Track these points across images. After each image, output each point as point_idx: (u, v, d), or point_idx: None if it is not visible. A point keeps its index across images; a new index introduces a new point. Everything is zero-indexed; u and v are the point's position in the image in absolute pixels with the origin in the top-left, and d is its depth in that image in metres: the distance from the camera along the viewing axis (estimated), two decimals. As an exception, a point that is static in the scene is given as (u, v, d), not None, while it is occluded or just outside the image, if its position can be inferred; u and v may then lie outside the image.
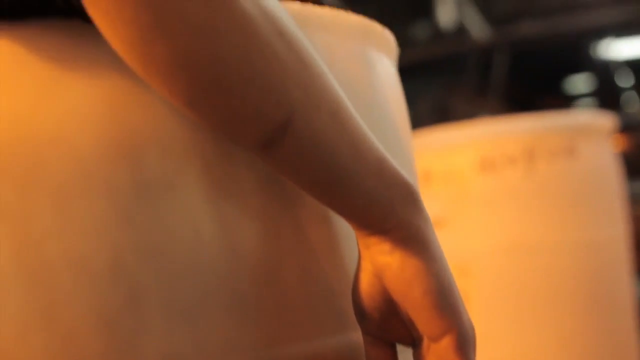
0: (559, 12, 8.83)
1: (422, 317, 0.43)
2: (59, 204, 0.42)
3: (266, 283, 0.46)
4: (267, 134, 0.40)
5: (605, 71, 3.52)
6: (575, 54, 3.49)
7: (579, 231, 1.64)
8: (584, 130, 1.66)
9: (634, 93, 3.56)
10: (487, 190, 1.61)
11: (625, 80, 3.56)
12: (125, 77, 0.43)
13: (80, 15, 0.41)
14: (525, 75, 3.71)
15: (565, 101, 3.70)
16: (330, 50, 0.52)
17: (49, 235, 0.42)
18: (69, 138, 0.42)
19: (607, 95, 3.44)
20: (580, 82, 3.67)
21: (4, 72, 0.44)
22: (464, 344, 0.44)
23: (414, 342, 0.47)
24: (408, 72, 4.18)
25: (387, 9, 8.36)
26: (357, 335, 0.49)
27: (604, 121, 1.72)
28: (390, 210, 0.43)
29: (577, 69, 3.57)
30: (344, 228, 0.49)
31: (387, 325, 0.47)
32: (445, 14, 6.58)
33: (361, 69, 0.55)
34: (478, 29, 7.79)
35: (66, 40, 0.44)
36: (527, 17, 8.82)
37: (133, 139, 0.43)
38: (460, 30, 7.66)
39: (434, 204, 1.62)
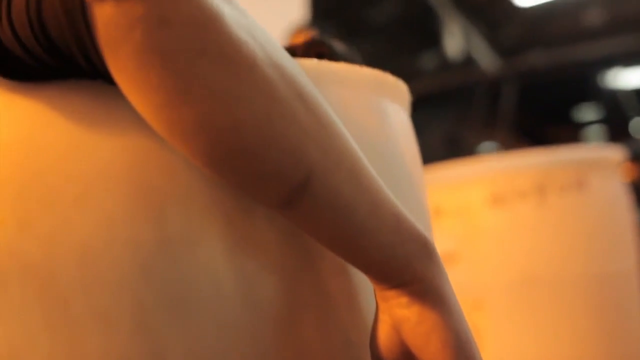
0: (566, 42, 8.89)
1: None
2: (83, 261, 0.43)
3: (286, 334, 0.47)
4: (286, 193, 0.42)
5: (613, 100, 3.53)
6: (583, 83, 3.52)
7: (590, 264, 1.64)
8: (593, 164, 1.66)
9: (642, 122, 3.57)
10: (498, 224, 1.61)
11: (633, 109, 3.57)
12: (147, 136, 0.45)
13: (103, 77, 0.43)
14: (534, 105, 3.74)
15: (574, 130, 3.72)
16: (346, 104, 0.53)
17: (74, 291, 0.43)
18: (94, 196, 0.44)
19: (615, 124, 3.45)
20: (588, 111, 3.68)
21: (31, 132, 0.45)
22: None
23: None
24: (417, 103, 4.21)
25: (395, 40, 8.43)
26: (375, 386, 0.49)
27: (613, 153, 1.73)
28: (407, 265, 0.44)
29: (585, 98, 3.59)
30: (362, 281, 0.50)
31: None
32: (453, 45, 6.63)
33: (376, 120, 0.56)
34: (486, 59, 7.84)
35: (90, 100, 0.46)
36: (534, 48, 8.88)
37: (155, 196, 0.44)
38: (468, 61, 7.72)
39: (446, 238, 1.63)
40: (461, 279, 1.63)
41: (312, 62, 0.52)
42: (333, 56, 0.66)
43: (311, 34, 1.66)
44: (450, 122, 3.85)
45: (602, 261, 1.66)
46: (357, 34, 7.64)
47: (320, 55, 0.65)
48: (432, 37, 7.78)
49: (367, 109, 0.55)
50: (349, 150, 0.43)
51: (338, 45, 0.70)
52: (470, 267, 1.63)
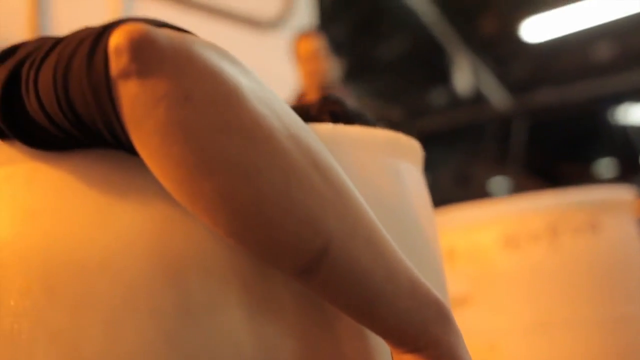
0: (575, 78, 8.92)
1: None
2: (108, 327, 0.44)
3: (304, 397, 0.47)
4: (304, 261, 0.43)
5: (623, 136, 3.53)
6: (593, 119, 3.52)
7: (605, 307, 1.63)
8: (606, 205, 1.66)
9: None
10: (511, 267, 1.61)
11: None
12: (169, 204, 0.46)
13: (127, 149, 0.44)
14: (544, 142, 3.74)
15: (584, 166, 3.71)
16: (361, 166, 0.54)
17: (99, 357, 0.44)
18: (117, 263, 0.45)
19: (626, 160, 3.44)
20: (599, 147, 3.68)
21: (57, 200, 0.47)
22: None
23: None
24: (428, 139, 4.24)
25: (405, 76, 8.49)
26: None
27: (625, 193, 1.73)
28: (423, 330, 0.45)
29: (595, 134, 3.59)
30: (379, 344, 0.51)
31: None
32: (462, 81, 6.67)
33: (390, 181, 0.57)
34: (495, 95, 7.87)
35: (113, 168, 0.47)
36: (544, 84, 8.91)
37: (177, 263, 0.46)
38: (478, 97, 7.76)
39: (459, 281, 1.63)
40: (474, 321, 1.62)
41: (328, 127, 0.54)
42: (346, 114, 0.68)
43: (324, 92, 1.77)
44: (461, 159, 3.86)
45: (617, 303, 1.65)
46: (367, 71, 7.71)
47: (333, 114, 0.67)
48: (441, 74, 7.83)
49: (381, 170, 0.56)
50: (365, 218, 0.45)
51: (351, 103, 0.72)
52: (484, 310, 1.63)
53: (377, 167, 0.56)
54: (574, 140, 3.76)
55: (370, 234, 0.44)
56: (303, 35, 2.46)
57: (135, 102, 0.40)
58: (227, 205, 0.41)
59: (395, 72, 8.30)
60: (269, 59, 3.02)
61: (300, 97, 2.40)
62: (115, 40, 0.39)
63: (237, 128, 0.40)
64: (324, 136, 0.52)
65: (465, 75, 6.71)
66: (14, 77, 0.44)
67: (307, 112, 0.71)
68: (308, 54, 2.31)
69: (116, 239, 0.46)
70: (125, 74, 0.39)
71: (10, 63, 0.45)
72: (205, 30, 3.34)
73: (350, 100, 2.16)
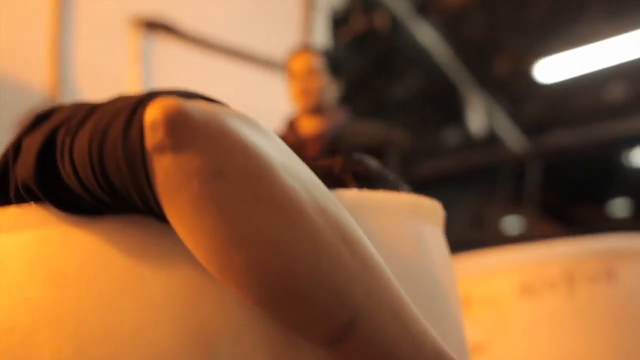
0: (589, 119, 8.92)
1: None
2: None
3: None
4: (332, 332, 0.43)
5: (638, 177, 3.52)
6: (607, 161, 3.52)
7: (621, 355, 1.61)
8: (622, 254, 1.66)
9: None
10: (527, 315, 1.60)
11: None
12: (199, 271, 0.47)
13: (158, 216, 0.45)
14: (559, 183, 3.74)
15: (599, 208, 3.70)
16: (385, 231, 0.55)
17: None
18: (148, 331, 0.46)
19: (640, 201, 3.42)
20: (613, 189, 3.67)
21: (88, 265, 0.48)
22: None
23: None
24: (441, 180, 4.26)
25: (418, 116, 8.54)
26: None
27: (642, 242, 1.72)
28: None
29: (609, 175, 3.58)
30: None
31: None
32: (476, 121, 6.70)
33: (413, 244, 0.58)
34: (509, 136, 7.89)
35: (144, 234, 0.48)
36: (557, 125, 8.93)
37: (206, 330, 0.46)
38: (491, 138, 7.77)
39: (475, 328, 1.62)
40: (491, 370, 1.61)
41: (352, 194, 0.55)
42: (368, 174, 0.69)
43: (319, 114, 1.75)
44: (475, 199, 3.85)
45: (634, 352, 1.63)
46: (381, 110, 7.76)
47: (356, 174, 0.68)
48: (455, 113, 7.86)
49: (404, 234, 0.57)
50: (392, 291, 0.45)
51: (373, 164, 0.73)
52: (500, 358, 1.61)
53: (400, 231, 0.57)
54: (588, 181, 3.75)
55: (396, 306, 0.45)
56: (297, 52, 2.18)
57: (170, 175, 0.41)
58: (256, 277, 0.42)
59: (408, 111, 8.35)
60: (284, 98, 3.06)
61: (293, 121, 2.17)
62: (151, 115, 0.41)
63: (268, 202, 0.41)
64: (349, 203, 0.53)
65: (479, 116, 6.74)
66: (49, 143, 0.46)
67: (330, 171, 0.73)
68: (301, 71, 2.07)
69: (147, 306, 0.47)
70: (160, 149, 0.41)
71: (45, 128, 0.47)
72: (222, 71, 3.39)
73: (348, 121, 2.09)
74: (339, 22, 4.72)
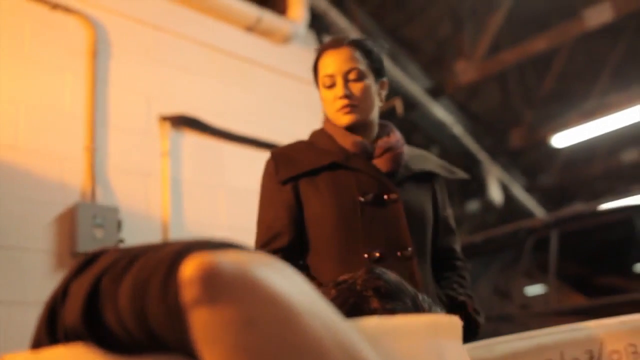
0: (606, 183, 8.94)
1: None
2: None
3: None
4: None
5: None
6: (627, 227, 3.53)
7: None
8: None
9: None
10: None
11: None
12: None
13: (194, 357, 0.49)
14: (578, 250, 3.75)
15: (620, 274, 3.69)
16: (406, 354, 0.63)
17: None
18: None
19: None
20: (634, 254, 3.67)
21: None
22: None
23: None
24: (466, 254, 4.31)
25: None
26: None
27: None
28: None
29: (630, 241, 3.58)
30: None
31: None
32: (495, 192, 6.77)
33: (433, 361, 0.66)
34: (528, 204, 7.94)
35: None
36: (576, 192, 8.98)
37: None
38: (511, 207, 7.82)
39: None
40: None
41: (374, 322, 0.63)
42: (388, 289, 0.77)
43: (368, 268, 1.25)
44: (495, 270, 3.88)
45: None
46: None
47: (376, 289, 0.76)
48: (475, 185, 7.94)
49: (425, 353, 0.65)
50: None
51: (392, 278, 0.81)
52: None
53: (421, 352, 0.65)
54: (608, 248, 3.77)
55: None
56: (329, 46, 1.57)
57: (206, 327, 0.46)
58: None
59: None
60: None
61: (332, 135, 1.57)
62: (187, 272, 0.46)
63: (297, 350, 0.46)
64: (371, 332, 0.61)
65: (497, 186, 6.81)
66: (95, 289, 0.51)
67: (353, 286, 0.81)
68: (344, 71, 1.51)
69: None
70: (196, 303, 0.46)
71: (91, 273, 0.53)
72: (244, 160, 3.50)
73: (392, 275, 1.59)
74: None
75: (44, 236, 2.72)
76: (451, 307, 1.44)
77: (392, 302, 0.79)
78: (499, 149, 7.34)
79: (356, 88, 1.52)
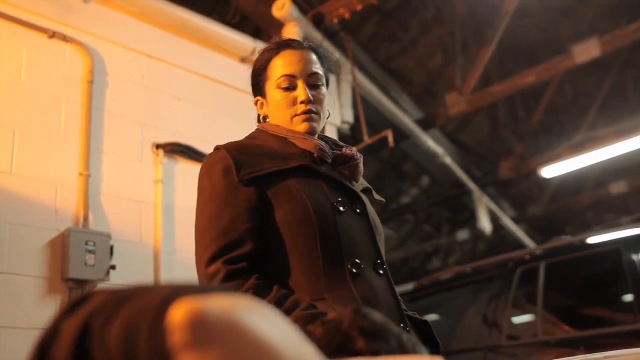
0: (594, 214, 9.03)
1: None
2: None
3: None
4: None
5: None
6: (615, 259, 3.56)
7: None
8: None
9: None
10: None
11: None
12: None
13: None
14: (567, 286, 3.78)
15: (607, 306, 3.72)
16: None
17: None
18: None
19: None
20: (622, 286, 3.69)
21: None
22: None
23: None
24: (446, 284, 4.34)
25: (432, 218, 8.68)
26: None
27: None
28: None
29: (617, 272, 3.61)
30: None
31: None
32: (486, 223, 6.82)
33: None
34: (517, 235, 8.00)
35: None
36: (563, 223, 9.05)
37: None
38: (500, 237, 7.88)
39: None
40: None
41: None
42: (374, 328, 0.80)
43: (354, 308, 1.21)
44: (484, 301, 3.91)
45: None
46: (390, 211, 7.91)
47: (362, 329, 0.79)
48: (464, 215, 8.00)
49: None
50: None
51: (378, 318, 0.84)
52: None
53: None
54: (595, 280, 3.80)
55: None
56: (288, 46, 1.44)
57: None
58: None
59: (421, 212, 8.49)
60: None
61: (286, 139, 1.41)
62: (175, 317, 0.48)
63: None
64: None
65: (488, 217, 6.86)
66: (85, 330, 0.53)
67: (339, 326, 0.83)
68: (308, 72, 1.41)
69: None
70: (184, 348, 0.48)
71: (81, 314, 0.55)
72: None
73: (378, 315, 1.38)
74: (347, 140, 4.92)
75: (35, 262, 2.74)
76: (417, 327, 1.37)
77: (377, 342, 0.82)
78: (488, 180, 7.42)
79: (316, 95, 1.41)
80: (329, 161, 1.39)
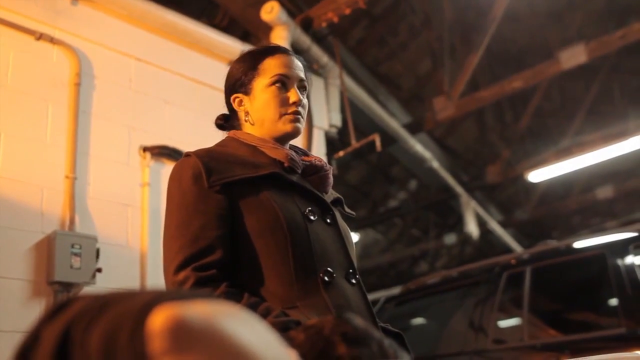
0: (581, 218, 9.08)
1: None
2: None
3: None
4: None
5: (632, 278, 3.59)
6: (601, 263, 3.58)
7: None
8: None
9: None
10: None
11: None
12: None
13: None
14: (553, 290, 3.80)
15: (593, 310, 3.74)
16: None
17: None
18: None
19: (636, 305, 3.49)
20: (607, 289, 3.72)
21: None
22: None
23: None
24: (436, 287, 4.36)
25: (420, 221, 8.70)
26: None
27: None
28: None
29: (602, 276, 3.64)
30: None
31: None
32: (473, 227, 6.84)
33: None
34: (504, 238, 8.03)
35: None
36: (550, 228, 9.10)
37: None
38: (487, 241, 7.91)
39: None
40: None
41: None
42: (356, 334, 0.80)
43: (336, 314, 1.11)
44: (471, 305, 3.92)
45: None
46: (379, 214, 7.92)
47: (344, 335, 0.80)
48: (451, 218, 8.02)
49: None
50: None
51: (359, 323, 0.85)
52: None
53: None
54: (581, 284, 3.82)
55: None
56: (281, 50, 1.49)
57: None
58: None
59: (410, 216, 8.51)
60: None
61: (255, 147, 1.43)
62: (155, 323, 0.48)
63: None
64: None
65: (475, 221, 6.89)
66: (65, 335, 0.53)
67: (321, 332, 0.84)
68: (296, 78, 1.44)
69: None
70: (164, 354, 0.48)
71: (62, 319, 0.55)
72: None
73: (359, 320, 1.40)
74: (335, 143, 4.92)
75: (20, 264, 2.72)
76: (391, 336, 1.37)
77: (358, 347, 0.82)
78: (476, 184, 7.44)
79: (304, 100, 1.44)
80: (299, 171, 1.40)
